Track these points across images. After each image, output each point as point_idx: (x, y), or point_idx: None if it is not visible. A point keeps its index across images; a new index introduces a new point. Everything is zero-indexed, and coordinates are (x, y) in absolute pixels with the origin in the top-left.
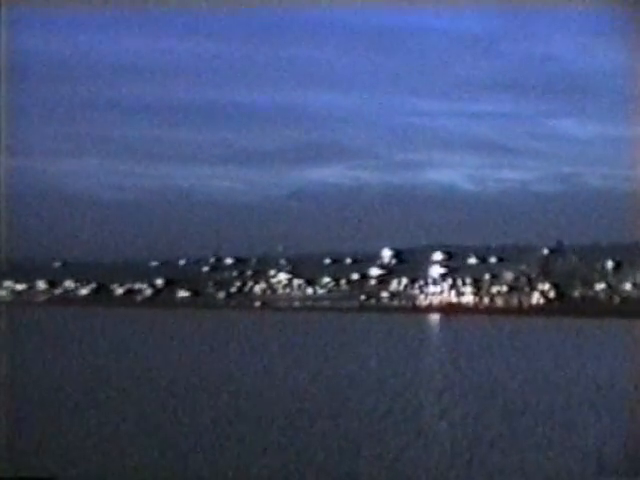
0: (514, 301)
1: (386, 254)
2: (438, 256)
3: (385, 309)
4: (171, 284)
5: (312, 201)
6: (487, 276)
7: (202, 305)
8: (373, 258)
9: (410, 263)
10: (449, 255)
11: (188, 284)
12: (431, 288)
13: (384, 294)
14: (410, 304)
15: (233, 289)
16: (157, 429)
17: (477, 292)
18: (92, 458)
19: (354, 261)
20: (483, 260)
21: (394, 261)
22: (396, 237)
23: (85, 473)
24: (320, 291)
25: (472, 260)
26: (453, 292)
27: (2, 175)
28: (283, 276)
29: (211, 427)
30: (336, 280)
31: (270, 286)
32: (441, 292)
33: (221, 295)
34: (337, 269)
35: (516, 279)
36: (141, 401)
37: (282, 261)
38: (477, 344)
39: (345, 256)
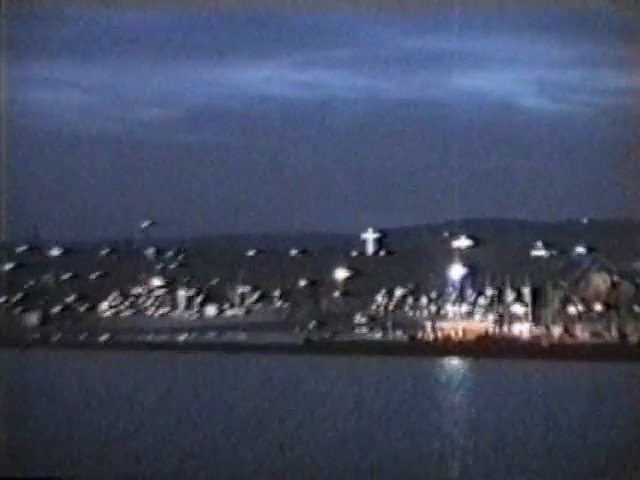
0: (611, 332)
1: (367, 239)
2: (463, 242)
3: (355, 348)
4: None
5: (227, 129)
6: (562, 283)
7: None
8: (341, 246)
9: (409, 257)
10: (482, 242)
11: None
12: (448, 307)
13: (358, 318)
14: (406, 338)
15: (55, 309)
16: None
17: (539, 315)
18: None
19: (302, 252)
20: (560, 251)
21: (381, 253)
22: (386, 207)
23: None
24: (231, 313)
25: (534, 251)
26: (491, 316)
27: None
28: (156, 282)
29: None
30: (262, 291)
31: (132, 303)
32: (468, 315)
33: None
34: (265, 269)
35: (615, 289)
36: None
37: (153, 252)
38: (535, 418)
39: (284, 243)
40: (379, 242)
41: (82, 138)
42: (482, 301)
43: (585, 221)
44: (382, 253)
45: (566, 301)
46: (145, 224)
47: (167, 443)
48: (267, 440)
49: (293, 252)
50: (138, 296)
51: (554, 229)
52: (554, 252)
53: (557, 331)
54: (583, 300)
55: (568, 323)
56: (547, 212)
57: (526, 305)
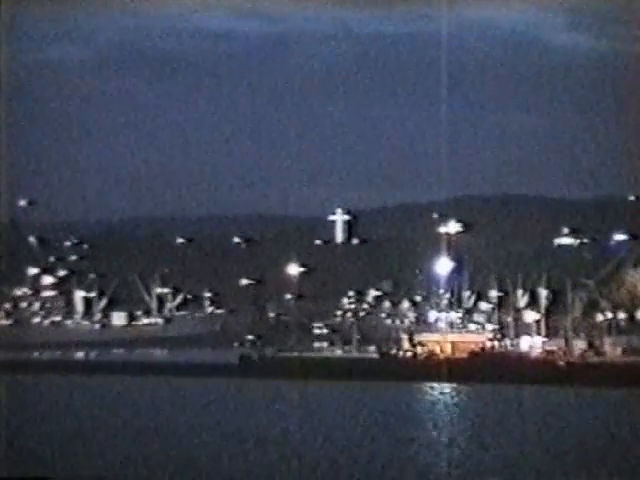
0: None
1: (333, 222)
2: (455, 227)
3: (311, 368)
4: None
5: (149, 73)
6: (586, 282)
7: None
8: (298, 233)
9: (386, 246)
10: (483, 228)
11: None
12: (435, 314)
13: (319, 329)
14: (378, 355)
15: None
16: None
17: (556, 325)
18: None
19: (247, 241)
20: (592, 239)
21: (354, 242)
22: (358, 181)
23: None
24: (146, 322)
25: (557, 239)
26: (491, 326)
27: None
28: (46, 281)
29: None
30: (188, 292)
31: (12, 308)
32: (461, 325)
33: None
34: (194, 263)
35: None
36: None
37: (37, 240)
38: (550, 461)
39: (223, 228)
40: (348, 227)
41: None
42: (481, 306)
43: (632, 198)
44: (353, 242)
45: (592, 306)
46: (23, 202)
47: None
48: None
49: (234, 240)
50: (20, 299)
51: (588, 210)
52: (586, 240)
53: (579, 346)
54: (614, 304)
55: (594, 335)
56: (578, 187)
57: (539, 311)
